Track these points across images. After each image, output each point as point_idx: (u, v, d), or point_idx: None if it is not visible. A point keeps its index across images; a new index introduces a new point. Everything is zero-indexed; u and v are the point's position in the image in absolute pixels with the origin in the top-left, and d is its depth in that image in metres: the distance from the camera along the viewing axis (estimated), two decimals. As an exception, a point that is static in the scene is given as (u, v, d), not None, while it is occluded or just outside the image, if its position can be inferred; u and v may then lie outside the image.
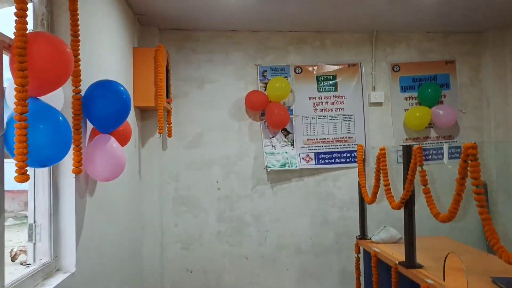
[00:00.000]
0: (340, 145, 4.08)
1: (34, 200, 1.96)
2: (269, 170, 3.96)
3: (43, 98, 1.68)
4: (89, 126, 2.21)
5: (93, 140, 2.12)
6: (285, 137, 4.04)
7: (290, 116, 4.01)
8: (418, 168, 2.28)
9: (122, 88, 2.16)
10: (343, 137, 4.09)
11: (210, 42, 4.02)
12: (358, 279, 3.32)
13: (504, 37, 4.00)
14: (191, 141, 3.99)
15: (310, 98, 4.09)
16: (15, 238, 6.00)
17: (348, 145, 4.09)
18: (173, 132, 3.84)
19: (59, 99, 1.89)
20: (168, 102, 3.62)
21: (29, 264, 1.94)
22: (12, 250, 4.59)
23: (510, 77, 3.97)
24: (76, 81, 1.96)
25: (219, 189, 4.00)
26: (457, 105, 4.14)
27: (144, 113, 3.72)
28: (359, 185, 3.27)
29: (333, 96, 4.10)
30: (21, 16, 1.47)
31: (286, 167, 3.96)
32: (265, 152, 4.00)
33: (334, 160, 4.06)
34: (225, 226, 4.00)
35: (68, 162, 1.96)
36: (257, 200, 4.05)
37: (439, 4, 3.43)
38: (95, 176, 2.16)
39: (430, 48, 4.17)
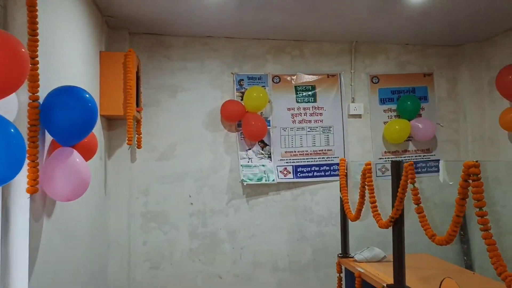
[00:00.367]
0: (319, 158, 3.94)
1: (-21, 225, 1.67)
2: (245, 184, 3.76)
3: (-9, 106, 1.42)
4: (48, 138, 1.94)
5: (52, 154, 1.85)
6: (262, 149, 3.86)
7: (268, 127, 3.84)
8: (410, 186, 2.15)
9: (87, 95, 1.91)
10: (322, 150, 3.96)
11: (185, 49, 3.80)
12: (339, 299, 3.16)
13: (481, 50, 4.02)
14: (163, 153, 3.73)
15: (289, 109, 3.93)
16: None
17: (327, 158, 3.96)
18: (143, 143, 3.58)
19: (12, 107, 1.62)
20: (138, 111, 3.36)
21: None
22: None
23: (486, 90, 3.98)
24: (33, 87, 1.70)
25: (191, 203, 3.76)
26: (435, 118, 4.10)
27: (111, 122, 3.44)
28: (341, 201, 3.13)
29: (312, 107, 3.97)
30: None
31: (263, 181, 3.78)
32: (241, 165, 3.80)
33: (313, 173, 3.92)
34: (197, 243, 3.75)
35: (21, 180, 1.68)
36: (232, 215, 3.83)
37: (418, 16, 3.39)
38: (54, 196, 1.89)
39: (408, 60, 4.13)
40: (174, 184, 3.74)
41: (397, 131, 3.94)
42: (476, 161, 1.63)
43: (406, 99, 4.00)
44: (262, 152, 3.85)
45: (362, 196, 2.80)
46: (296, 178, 3.89)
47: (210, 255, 3.77)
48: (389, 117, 4.07)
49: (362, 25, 3.58)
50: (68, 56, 2.40)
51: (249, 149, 3.84)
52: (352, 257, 3.04)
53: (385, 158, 4.02)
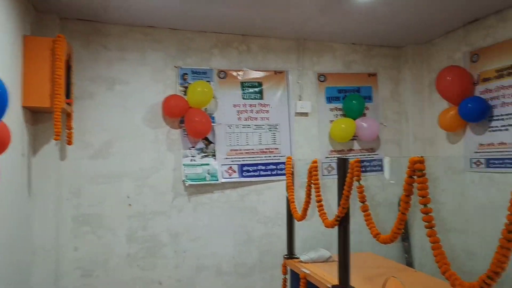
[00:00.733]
0: (265, 157, 3.84)
1: None
2: (187, 184, 3.57)
3: None
4: None
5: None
6: (207, 147, 3.69)
7: (212, 124, 3.67)
8: (355, 184, 2.09)
9: (-4, 79, 1.64)
10: (269, 148, 3.86)
11: (124, 38, 3.54)
12: (285, 302, 3.06)
13: (421, 53, 4.13)
14: (98, 151, 3.44)
15: (234, 106, 3.80)
16: None
17: (274, 156, 3.86)
18: (75, 139, 3.27)
19: None
20: (68, 103, 3.05)
21: None
22: None
23: (426, 92, 4.10)
24: None
25: (130, 205, 3.50)
26: (379, 118, 4.16)
27: (37, 115, 3.10)
28: (288, 200, 3.04)
29: (259, 104, 3.86)
30: None
31: (207, 181, 3.61)
32: (183, 164, 3.60)
33: (259, 172, 3.81)
34: (136, 247, 3.50)
35: None
36: (175, 217, 3.62)
37: (364, 17, 3.40)
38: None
39: (354, 60, 4.15)
40: (111, 185, 3.46)
41: (343, 130, 3.94)
42: (421, 156, 1.59)
43: (351, 98, 4.01)
44: (206, 150, 3.68)
45: (308, 195, 2.73)
46: (241, 177, 3.75)
47: (150, 260, 3.53)
48: (336, 116, 4.06)
49: (309, 22, 3.53)
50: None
51: (193, 147, 3.65)
52: (298, 258, 2.96)
53: (332, 157, 4.01)
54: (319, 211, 2.50)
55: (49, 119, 3.06)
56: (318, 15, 3.34)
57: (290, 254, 3.07)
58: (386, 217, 3.68)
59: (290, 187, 3.02)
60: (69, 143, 3.20)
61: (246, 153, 3.80)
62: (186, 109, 3.55)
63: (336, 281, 2.31)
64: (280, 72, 3.92)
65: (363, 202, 2.03)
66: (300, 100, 3.96)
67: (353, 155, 4.08)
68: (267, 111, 3.88)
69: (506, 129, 3.22)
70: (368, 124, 3.98)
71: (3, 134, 1.82)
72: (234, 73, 3.81)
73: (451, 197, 3.70)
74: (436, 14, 3.35)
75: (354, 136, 4.04)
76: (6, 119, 1.83)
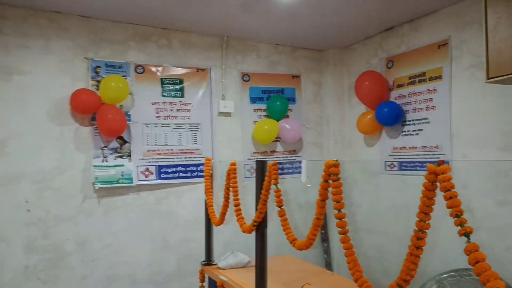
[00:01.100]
0: (185, 158, 3.65)
1: None
2: (97, 187, 3.26)
3: None
4: None
5: None
6: (121, 147, 3.41)
7: (128, 122, 3.40)
8: (273, 187, 2.00)
9: None
10: (189, 149, 3.68)
11: (25, 23, 3.13)
12: (202, 311, 2.92)
13: (342, 57, 4.23)
14: (-11, 149, 3.01)
15: (153, 103, 3.56)
16: None
17: (195, 157, 3.69)
18: (-41, 135, 2.82)
19: None
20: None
21: None
22: None
23: (346, 96, 4.20)
24: None
25: (28, 210, 3.10)
26: (302, 120, 4.18)
27: None
28: (206, 204, 2.89)
29: (179, 103, 3.66)
30: None
31: (120, 183, 3.33)
32: (94, 165, 3.28)
33: (178, 174, 3.61)
34: (36, 258, 3.11)
35: None
36: (83, 223, 3.29)
37: (288, 18, 3.37)
38: None
39: (279, 61, 4.13)
40: (6, 188, 3.04)
41: (266, 131, 3.89)
42: (336, 160, 1.54)
43: (275, 99, 3.98)
44: (121, 150, 3.40)
45: (227, 198, 2.61)
46: (159, 179, 3.53)
47: (52, 271, 3.17)
48: (259, 117, 4.00)
49: (232, 19, 3.42)
50: None
51: (105, 146, 3.34)
52: (216, 264, 2.83)
53: (254, 158, 3.94)
54: (236, 216, 2.39)
55: None
56: (240, 12, 3.24)
57: (208, 260, 2.93)
58: (309, 220, 3.69)
59: (208, 190, 2.88)
60: (-49, 140, 2.75)
61: (165, 153, 3.58)
62: (99, 105, 3.24)
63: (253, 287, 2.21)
64: (203, 70, 3.76)
65: (280, 206, 1.96)
66: (223, 99, 3.84)
67: (275, 157, 4.06)
68: (188, 110, 3.70)
69: (417, 134, 3.39)
70: (291, 126, 3.97)
71: None
72: (153, 69, 3.58)
73: (368, 199, 3.82)
74: (355, 20, 3.43)
75: (277, 138, 4.01)
76: None
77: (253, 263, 2.55)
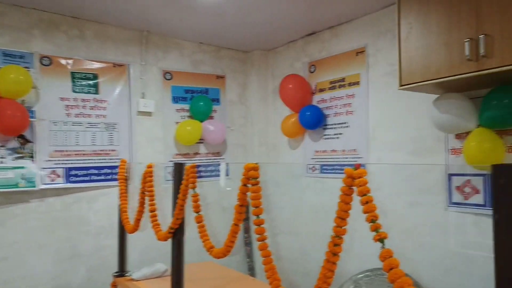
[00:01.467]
0: (99, 159, 3.37)
1: None
2: (-8, 192, 2.87)
3: None
4: None
5: None
6: (22, 147, 3.03)
7: (31, 119, 3.04)
8: (191, 191, 1.88)
9: None
10: (104, 150, 3.40)
11: None
12: (113, 327, 2.68)
13: (267, 59, 4.22)
14: None
15: (62, 99, 3.23)
16: None
17: (110, 159, 3.42)
18: None
19: None
20: None
21: None
22: None
23: (271, 98, 4.20)
24: None
25: None
26: (226, 122, 4.09)
27: None
28: (120, 209, 2.67)
29: (94, 100, 3.37)
30: None
31: (19, 187, 2.96)
32: (-11, 167, 2.88)
33: (90, 177, 3.31)
34: None
35: None
36: (-27, 234, 2.86)
37: (212, 16, 3.27)
38: None
39: (203, 60, 4.00)
40: None
41: (189, 132, 3.73)
42: (256, 163, 1.46)
43: (199, 100, 3.84)
44: (22, 150, 3.03)
45: (142, 203, 2.43)
46: (68, 183, 3.21)
47: None
48: (182, 117, 3.83)
49: (152, 13, 3.22)
50: None
51: (2, 146, 2.95)
52: (130, 276, 2.62)
53: (176, 160, 3.76)
54: (152, 222, 2.22)
55: None
56: (161, 6, 3.06)
57: (121, 271, 2.71)
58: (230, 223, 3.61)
59: (123, 194, 2.66)
60: None
61: (76, 154, 3.27)
62: (-6, 99, 2.85)
63: (168, 300, 2.06)
64: (120, 65, 3.51)
65: (197, 212, 1.84)
66: (143, 98, 3.61)
67: (198, 159, 3.92)
68: (104, 108, 3.42)
69: (337, 137, 3.48)
70: (215, 127, 3.86)
71: None
72: (63, 61, 3.24)
73: (291, 201, 3.84)
74: (279, 22, 3.42)
75: (200, 139, 3.87)
76: None
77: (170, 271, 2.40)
